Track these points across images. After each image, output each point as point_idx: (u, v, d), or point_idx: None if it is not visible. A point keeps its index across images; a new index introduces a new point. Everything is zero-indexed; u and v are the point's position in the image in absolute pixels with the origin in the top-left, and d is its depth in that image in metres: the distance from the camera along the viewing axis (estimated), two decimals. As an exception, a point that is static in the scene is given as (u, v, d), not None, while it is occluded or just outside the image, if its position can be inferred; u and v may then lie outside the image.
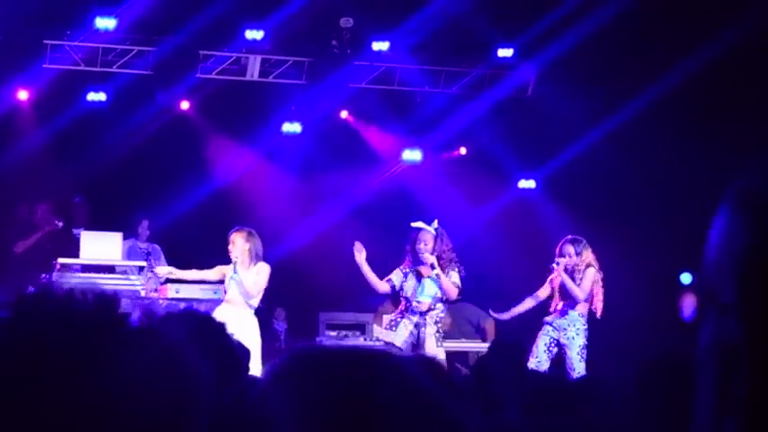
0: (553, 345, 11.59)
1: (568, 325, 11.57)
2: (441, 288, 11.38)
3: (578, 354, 11.46)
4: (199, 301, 12.06)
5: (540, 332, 11.71)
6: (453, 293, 11.49)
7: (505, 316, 12.12)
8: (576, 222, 14.08)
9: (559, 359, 11.65)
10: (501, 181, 16.76)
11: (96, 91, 15.27)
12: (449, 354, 13.59)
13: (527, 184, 16.89)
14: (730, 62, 13.61)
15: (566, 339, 11.54)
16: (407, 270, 11.48)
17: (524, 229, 16.14)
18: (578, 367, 11.41)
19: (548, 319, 11.73)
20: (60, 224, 14.19)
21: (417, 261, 11.44)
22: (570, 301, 11.62)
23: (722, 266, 1.18)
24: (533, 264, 15.58)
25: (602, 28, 14.25)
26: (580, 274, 11.56)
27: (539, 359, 11.50)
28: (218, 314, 10.93)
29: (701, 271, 1.22)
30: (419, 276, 11.43)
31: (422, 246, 11.38)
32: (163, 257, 14.43)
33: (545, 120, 15.80)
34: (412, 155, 16.88)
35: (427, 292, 11.44)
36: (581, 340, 11.51)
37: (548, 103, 15.68)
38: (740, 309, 1.16)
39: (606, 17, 14.10)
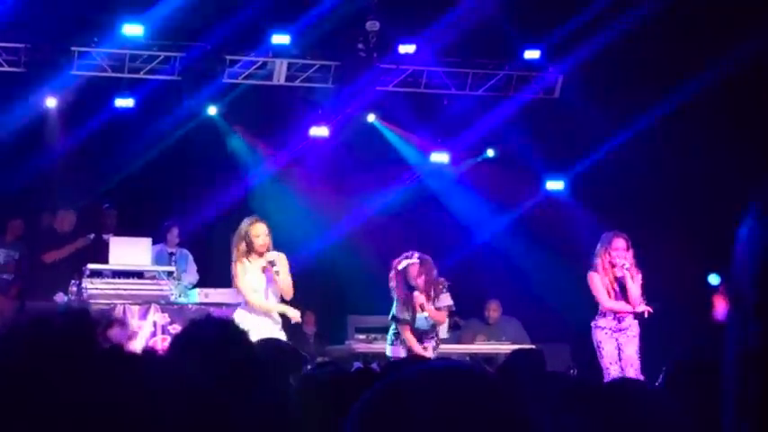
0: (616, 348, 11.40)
1: (628, 326, 11.39)
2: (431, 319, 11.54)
3: (636, 351, 11.28)
4: (228, 305, 12.05)
5: (603, 336, 11.46)
6: (443, 320, 11.64)
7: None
8: (604, 223, 14.02)
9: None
10: (529, 183, 16.73)
11: (124, 97, 15.31)
12: (477, 355, 13.61)
13: (555, 185, 16.85)
14: (761, 65, 13.54)
15: (624, 338, 11.35)
16: (401, 300, 11.57)
17: (552, 231, 16.10)
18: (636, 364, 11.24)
19: (608, 325, 11.46)
20: (91, 236, 14.23)
21: (406, 288, 11.53)
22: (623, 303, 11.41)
23: (746, 271, 1.18)
24: (561, 265, 15.57)
25: (631, 29, 14.21)
26: (633, 273, 11.37)
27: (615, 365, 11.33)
28: (268, 322, 10.79)
29: (731, 275, 1.22)
30: (412, 307, 11.55)
31: (411, 277, 11.48)
32: (191, 261, 14.45)
33: (573, 121, 15.75)
34: (439, 157, 16.86)
35: (419, 324, 11.57)
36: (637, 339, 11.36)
37: (575, 105, 15.64)
38: (760, 313, 1.16)
39: (634, 19, 14.06)
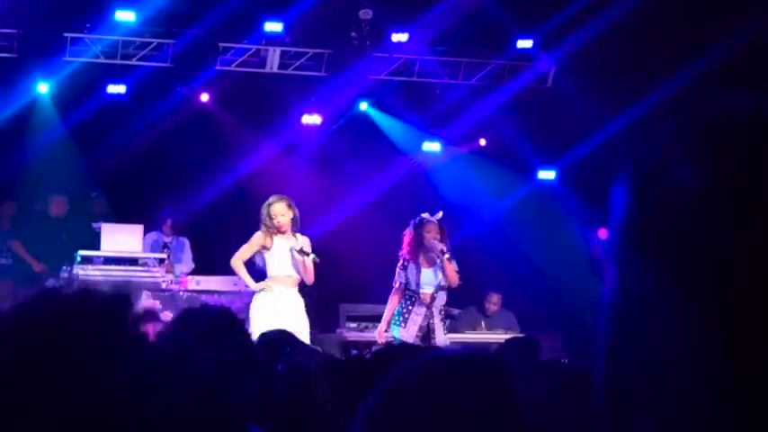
0: None
1: None
2: (444, 275, 11.44)
3: None
4: (220, 293, 12.07)
5: None
6: (456, 280, 11.55)
7: None
8: (595, 213, 14.05)
9: None
10: (520, 172, 16.73)
11: (116, 83, 15.30)
12: (469, 344, 13.59)
13: (547, 174, 16.84)
14: (753, 55, 13.53)
15: None
16: (406, 264, 11.54)
17: (544, 220, 16.11)
18: None
19: None
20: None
21: (417, 251, 11.50)
22: None
23: (611, 231, 1.28)
24: (552, 254, 15.59)
25: (623, 18, 14.20)
26: None
27: None
28: (289, 299, 10.86)
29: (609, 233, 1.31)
30: (418, 266, 11.48)
31: (429, 235, 11.44)
32: (187, 250, 14.44)
33: (565, 110, 15.74)
34: (431, 146, 16.86)
35: (427, 281, 11.49)
36: None
37: (567, 94, 15.63)
38: (618, 270, 1.25)
39: (626, 7, 14.05)
